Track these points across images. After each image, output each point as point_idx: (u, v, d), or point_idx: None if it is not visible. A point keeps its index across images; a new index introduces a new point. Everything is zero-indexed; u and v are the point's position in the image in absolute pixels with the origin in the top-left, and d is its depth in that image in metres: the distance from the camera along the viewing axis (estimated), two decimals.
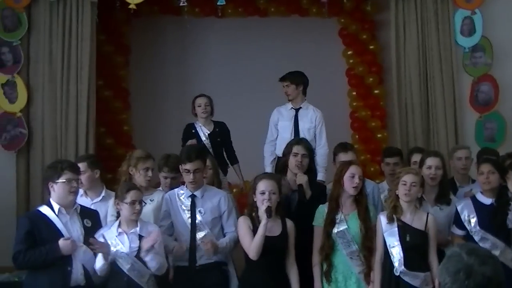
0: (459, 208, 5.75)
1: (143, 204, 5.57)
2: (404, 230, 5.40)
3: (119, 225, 5.49)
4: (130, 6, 7.56)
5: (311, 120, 7.52)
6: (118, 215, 5.61)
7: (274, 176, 5.70)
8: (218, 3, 7.89)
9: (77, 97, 7.85)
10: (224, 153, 7.59)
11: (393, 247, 5.39)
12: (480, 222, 5.60)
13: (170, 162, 6.29)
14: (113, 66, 9.06)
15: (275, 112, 7.65)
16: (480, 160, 6.20)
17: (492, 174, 5.66)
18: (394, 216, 5.45)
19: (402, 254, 5.34)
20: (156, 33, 9.55)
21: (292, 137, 7.25)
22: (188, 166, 5.67)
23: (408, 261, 5.33)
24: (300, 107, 7.57)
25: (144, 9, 8.53)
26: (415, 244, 5.41)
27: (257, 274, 5.44)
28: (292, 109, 7.57)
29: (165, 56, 9.58)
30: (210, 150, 7.33)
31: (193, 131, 7.48)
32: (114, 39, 9.09)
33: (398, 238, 5.38)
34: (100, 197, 6.23)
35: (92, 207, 6.00)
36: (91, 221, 5.59)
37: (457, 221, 5.74)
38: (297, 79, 7.56)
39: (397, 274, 5.33)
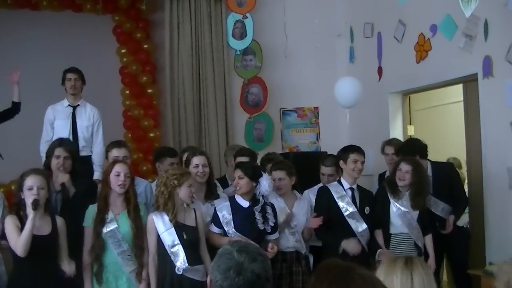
0: (217, 208, 5.86)
1: None
2: (181, 229, 5.45)
3: None
4: None
5: (89, 118, 7.38)
6: None
7: (42, 172, 5.49)
8: None
9: None
10: None
11: (174, 246, 5.41)
12: (235, 224, 5.76)
13: None
14: None
15: (50, 110, 7.36)
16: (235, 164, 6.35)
17: (241, 179, 5.80)
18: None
19: (184, 252, 5.39)
20: None
21: (71, 135, 7.15)
22: None
23: (189, 258, 5.40)
24: (78, 105, 7.40)
25: None
26: (192, 241, 5.49)
27: (26, 275, 5.21)
28: (69, 107, 7.36)
29: None
30: None
31: None
32: None
33: (177, 237, 5.42)
34: None
35: None
36: None
37: (215, 219, 5.85)
38: (83, 76, 7.43)
39: (180, 272, 5.36)
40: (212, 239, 5.74)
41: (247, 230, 5.71)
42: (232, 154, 7.14)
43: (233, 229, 5.72)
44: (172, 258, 5.40)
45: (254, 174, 5.79)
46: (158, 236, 5.46)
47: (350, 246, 6.10)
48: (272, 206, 5.95)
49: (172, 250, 5.40)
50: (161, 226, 5.44)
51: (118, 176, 5.55)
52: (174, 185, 5.46)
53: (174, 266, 5.38)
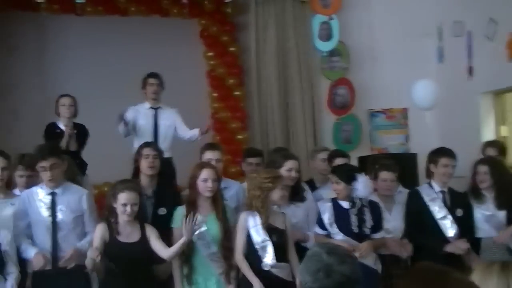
0: (321, 209, 5.85)
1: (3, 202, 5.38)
2: (270, 231, 5.45)
3: None
4: None
5: (169, 118, 7.53)
6: None
7: (135, 187, 5.51)
8: (77, 1, 7.69)
9: None
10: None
11: (264, 241, 5.42)
12: (338, 226, 5.72)
13: (25, 160, 6.08)
14: None
15: (132, 110, 7.50)
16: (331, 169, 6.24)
17: (338, 184, 5.78)
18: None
19: (272, 248, 5.40)
20: (12, 29, 9.17)
21: (153, 136, 7.31)
22: (43, 163, 5.49)
23: (276, 257, 5.40)
24: (159, 107, 7.56)
25: None
26: (280, 244, 5.48)
27: (117, 282, 5.31)
28: (151, 109, 7.54)
29: (21, 53, 9.20)
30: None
31: (58, 130, 7.21)
32: None
33: (268, 236, 5.43)
34: None
35: None
36: None
37: (319, 221, 5.84)
38: (163, 82, 7.60)
39: (267, 268, 5.37)
40: (317, 241, 5.72)
41: (348, 231, 5.70)
42: (315, 156, 7.22)
43: (337, 230, 5.71)
44: (260, 253, 5.40)
45: (348, 178, 5.75)
46: (248, 234, 5.47)
47: (454, 247, 6.01)
48: (373, 206, 5.88)
49: (261, 245, 5.41)
50: (252, 223, 5.46)
51: (205, 182, 5.58)
52: (268, 188, 5.47)
53: (261, 262, 5.39)
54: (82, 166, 7.23)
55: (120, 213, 5.32)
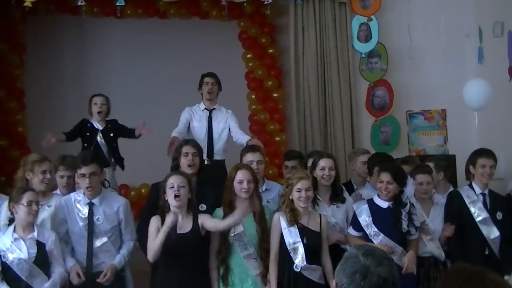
0: (357, 211, 5.84)
1: (40, 206, 5.45)
2: (302, 232, 5.48)
3: (14, 230, 5.35)
4: (26, 4, 7.32)
5: (224, 120, 7.51)
6: (10, 221, 5.46)
7: (183, 173, 5.68)
8: (117, 4, 7.77)
9: None
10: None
11: (295, 243, 5.45)
12: (377, 225, 5.71)
13: (66, 161, 6.17)
14: (7, 65, 8.74)
15: (187, 110, 7.49)
16: (381, 168, 6.10)
17: (390, 184, 5.75)
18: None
19: (303, 251, 5.41)
20: (53, 32, 9.31)
21: (206, 138, 7.29)
22: (83, 170, 5.57)
23: (307, 259, 5.43)
24: (214, 108, 7.54)
25: (41, 8, 8.28)
26: (313, 246, 5.50)
27: (169, 273, 5.39)
28: (206, 110, 7.52)
29: (62, 56, 9.35)
30: (105, 146, 7.28)
31: (89, 125, 7.33)
32: (8, 37, 8.78)
33: (300, 237, 5.45)
34: None
35: None
36: None
37: (354, 222, 5.84)
38: (220, 82, 7.59)
39: (298, 270, 5.40)
40: (351, 242, 5.75)
41: (388, 231, 5.69)
42: (355, 158, 7.19)
43: (375, 230, 5.70)
44: (291, 254, 5.43)
45: (401, 179, 5.75)
46: (281, 235, 5.50)
47: None
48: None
49: (292, 246, 5.43)
50: (284, 223, 5.51)
51: (241, 183, 5.61)
52: (286, 190, 5.54)
53: (293, 263, 5.41)
54: (120, 160, 7.36)
55: (170, 201, 5.38)
